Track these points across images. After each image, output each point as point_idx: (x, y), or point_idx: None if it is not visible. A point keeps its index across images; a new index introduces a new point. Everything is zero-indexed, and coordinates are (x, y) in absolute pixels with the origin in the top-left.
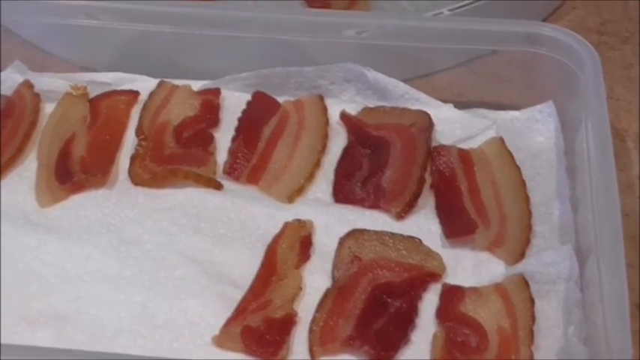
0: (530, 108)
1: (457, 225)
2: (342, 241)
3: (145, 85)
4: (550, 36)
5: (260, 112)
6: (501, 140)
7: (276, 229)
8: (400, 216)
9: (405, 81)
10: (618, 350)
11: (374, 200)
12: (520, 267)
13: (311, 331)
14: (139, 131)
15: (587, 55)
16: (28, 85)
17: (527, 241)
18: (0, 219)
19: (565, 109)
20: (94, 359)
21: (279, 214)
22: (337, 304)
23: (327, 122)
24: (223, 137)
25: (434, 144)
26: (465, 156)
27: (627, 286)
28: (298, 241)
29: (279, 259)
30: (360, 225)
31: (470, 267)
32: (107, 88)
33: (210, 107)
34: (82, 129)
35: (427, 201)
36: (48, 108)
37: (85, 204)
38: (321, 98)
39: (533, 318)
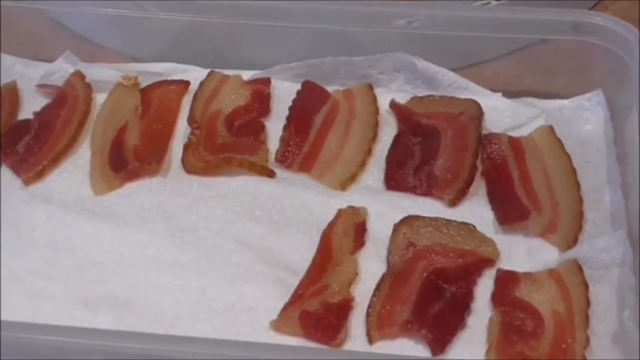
0: (578, 97)
1: (510, 211)
2: (396, 228)
3: (196, 75)
4: (598, 24)
5: (310, 101)
6: (551, 128)
7: (329, 216)
8: (453, 203)
9: (453, 70)
10: None
11: (426, 187)
12: (573, 253)
13: (368, 315)
14: (191, 120)
15: (636, 42)
16: (79, 75)
17: (579, 228)
18: (56, 206)
19: (614, 97)
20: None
21: (332, 201)
22: (393, 290)
23: (377, 111)
24: (274, 126)
25: (484, 132)
26: (515, 144)
27: None
28: (353, 227)
29: (334, 245)
30: (412, 212)
31: (523, 253)
32: (158, 78)
33: (260, 97)
34: (135, 118)
35: (479, 188)
36: (99, 98)
37: (139, 192)
38: (370, 87)
39: (587, 302)
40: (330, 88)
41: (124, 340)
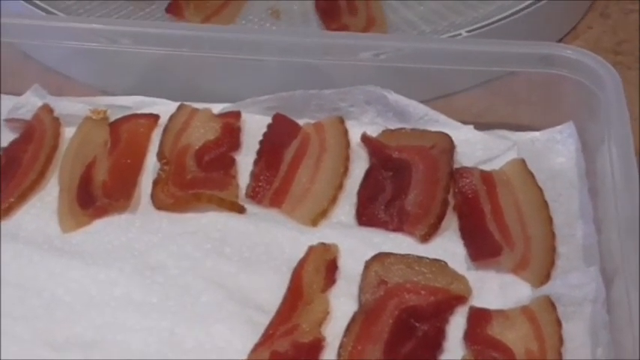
0: (550, 129)
1: (482, 247)
2: (368, 265)
3: (165, 108)
4: (569, 57)
5: (281, 134)
6: (523, 162)
7: (300, 253)
8: (425, 239)
9: (424, 102)
10: None
11: (398, 223)
12: (546, 289)
13: (339, 355)
14: (160, 155)
15: (606, 75)
16: (47, 109)
17: (551, 263)
18: (23, 244)
19: (585, 129)
20: None
21: (303, 237)
22: (364, 329)
23: (348, 144)
24: (244, 160)
25: (455, 166)
26: (487, 178)
27: None
28: (324, 264)
29: (305, 283)
30: (384, 248)
31: (496, 289)
32: (127, 112)
33: (230, 130)
34: (103, 153)
35: (451, 223)
36: (68, 132)
37: (108, 229)
38: (341, 120)
39: (560, 340)
40: (300, 121)
41: None
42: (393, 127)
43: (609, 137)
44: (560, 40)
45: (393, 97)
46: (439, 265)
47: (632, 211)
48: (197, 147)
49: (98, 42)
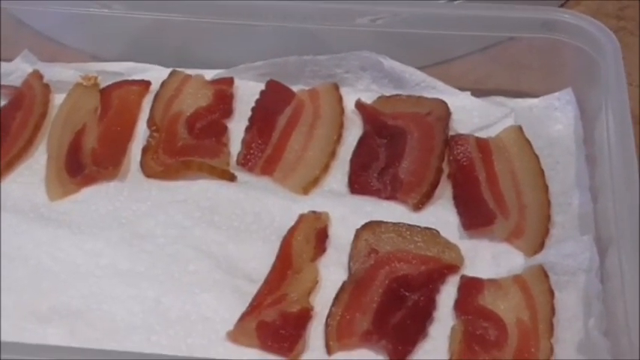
0: (548, 95)
1: (475, 216)
2: (358, 234)
3: (157, 74)
4: (569, 22)
5: (274, 101)
6: (520, 129)
7: (291, 222)
8: (417, 207)
9: (421, 69)
10: None
11: (391, 191)
12: (539, 258)
13: (327, 325)
14: (150, 122)
15: (606, 41)
16: (37, 75)
17: (546, 232)
18: (10, 213)
19: (584, 96)
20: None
21: (294, 205)
22: (354, 298)
23: (342, 111)
24: (237, 128)
25: (451, 133)
26: (483, 145)
27: None
28: (314, 233)
29: (294, 252)
30: (376, 216)
31: (488, 258)
32: (118, 78)
33: (223, 97)
34: (93, 120)
35: (444, 191)
36: (58, 99)
37: (96, 197)
38: (336, 87)
39: (553, 310)
40: (295, 88)
41: (73, 356)
42: (388, 94)
43: (607, 104)
44: (562, 6)
45: (389, 63)
46: (431, 233)
47: (628, 179)
48: (189, 114)
49: (90, 7)
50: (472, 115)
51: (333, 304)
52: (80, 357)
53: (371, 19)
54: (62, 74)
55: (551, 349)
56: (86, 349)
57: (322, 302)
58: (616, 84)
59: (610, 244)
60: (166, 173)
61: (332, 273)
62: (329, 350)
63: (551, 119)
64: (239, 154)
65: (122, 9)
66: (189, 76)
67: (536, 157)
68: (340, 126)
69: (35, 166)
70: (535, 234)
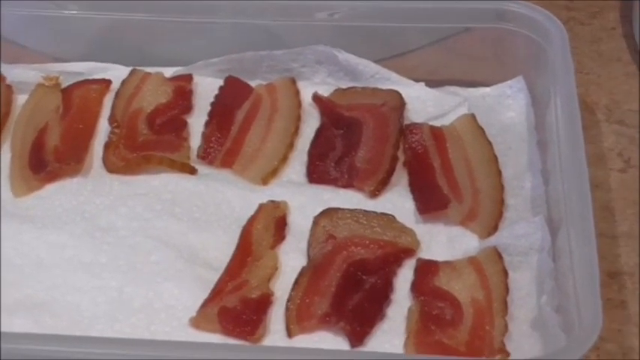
0: (500, 84)
1: (430, 201)
2: (316, 220)
3: (118, 73)
4: (519, 12)
5: (232, 96)
6: (473, 117)
7: (251, 211)
8: (374, 194)
9: (378, 61)
10: (589, 318)
11: (347, 179)
12: (493, 240)
13: (287, 309)
14: (111, 119)
15: (554, 29)
16: None
17: (499, 215)
18: None
19: (535, 84)
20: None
21: (253, 196)
22: (312, 283)
23: (299, 105)
24: (196, 123)
25: (406, 122)
26: (437, 133)
27: (598, 255)
28: (273, 221)
29: (254, 240)
30: (334, 204)
31: (444, 242)
32: (79, 78)
33: (182, 93)
34: (55, 119)
35: (400, 179)
36: (20, 99)
37: (59, 193)
38: (293, 81)
39: (506, 289)
40: (252, 83)
41: (39, 343)
42: (344, 87)
43: (555, 91)
44: None
45: (344, 56)
46: (387, 218)
47: (576, 162)
48: (149, 110)
49: (49, 9)
50: (426, 104)
51: (293, 289)
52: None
53: (329, 13)
54: (24, 75)
55: (506, 327)
56: (50, 334)
57: (282, 288)
58: (564, 72)
59: (560, 224)
60: (128, 168)
61: (291, 259)
62: (289, 333)
63: (503, 107)
64: (199, 148)
65: (81, 10)
66: (148, 74)
67: (490, 143)
68: (298, 119)
69: None
70: (489, 217)
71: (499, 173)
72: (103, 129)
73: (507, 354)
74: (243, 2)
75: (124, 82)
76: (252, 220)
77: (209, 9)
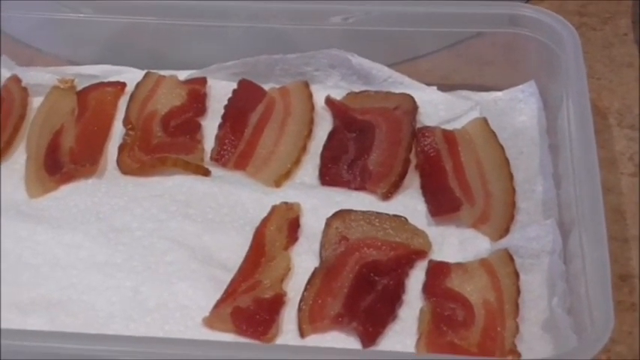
0: (512, 88)
1: (442, 203)
2: (329, 222)
3: (132, 76)
4: (531, 17)
5: (246, 99)
6: (485, 120)
7: (264, 213)
8: (386, 196)
9: (391, 65)
10: (601, 320)
11: (360, 182)
12: (504, 242)
13: (300, 310)
14: (126, 121)
15: (567, 34)
16: (15, 79)
17: (511, 217)
18: None
19: (547, 88)
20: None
21: (266, 198)
22: (325, 283)
23: (312, 108)
24: (210, 125)
25: (418, 126)
26: (449, 136)
27: (609, 257)
28: (286, 223)
29: (267, 241)
30: (346, 206)
31: (455, 244)
32: (94, 81)
33: (196, 96)
34: (71, 121)
35: (412, 181)
36: (36, 102)
37: (74, 194)
38: (306, 84)
39: (518, 291)
40: (266, 86)
41: (55, 341)
42: (357, 90)
43: (568, 95)
44: (527, 1)
45: (357, 60)
46: (399, 220)
47: (588, 165)
48: (163, 113)
49: (63, 12)
50: (438, 108)
51: (306, 290)
52: (60, 343)
53: (343, 17)
54: (39, 78)
55: (517, 328)
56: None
57: (295, 288)
58: (576, 76)
59: (572, 227)
60: (142, 169)
61: (304, 260)
62: (302, 333)
63: (515, 111)
64: (213, 151)
65: (95, 13)
66: (163, 77)
67: (501, 147)
68: (310, 122)
69: (15, 166)
70: (500, 219)
71: (511, 176)
72: (117, 131)
73: (518, 355)
74: (257, 6)
75: (138, 85)
76: (265, 222)
77: (223, 13)
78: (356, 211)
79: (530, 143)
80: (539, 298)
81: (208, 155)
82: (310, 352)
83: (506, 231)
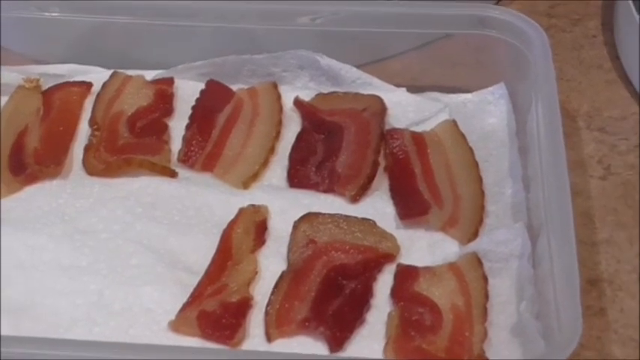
0: (482, 90)
1: (411, 206)
2: (296, 225)
3: (99, 76)
4: (501, 19)
5: (214, 100)
6: (454, 123)
7: (231, 215)
8: (355, 199)
9: (360, 66)
10: (569, 325)
11: (328, 184)
12: (473, 246)
13: (267, 314)
14: (92, 122)
15: (536, 36)
16: None
17: (480, 221)
18: None
19: (516, 90)
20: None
21: (234, 199)
22: (292, 287)
23: (280, 109)
24: (177, 126)
25: (387, 128)
26: (418, 139)
27: (578, 261)
28: (253, 225)
29: (234, 244)
30: (315, 209)
31: (424, 247)
32: (60, 80)
33: (163, 96)
34: (35, 121)
35: (381, 184)
36: (1, 101)
37: (39, 195)
38: (274, 85)
39: (486, 295)
40: (234, 87)
41: (17, 346)
42: (326, 91)
43: (537, 98)
44: (496, 4)
45: (325, 61)
46: (367, 223)
47: (556, 168)
48: (130, 113)
49: (30, 11)
50: (407, 110)
51: (273, 293)
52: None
53: (311, 18)
54: (5, 77)
55: (485, 333)
56: (28, 337)
57: (262, 292)
58: (545, 78)
59: (541, 230)
60: (108, 170)
61: (271, 263)
62: (269, 337)
63: (484, 113)
64: (180, 152)
65: (62, 12)
66: (129, 77)
67: (471, 149)
68: (279, 123)
69: None
70: (469, 223)
71: (480, 179)
72: (83, 131)
73: None
74: (225, 6)
75: (104, 85)
76: (232, 224)
77: (191, 12)
78: (324, 214)
79: (500, 146)
80: (507, 303)
81: (175, 156)
82: (277, 357)
83: (475, 234)
